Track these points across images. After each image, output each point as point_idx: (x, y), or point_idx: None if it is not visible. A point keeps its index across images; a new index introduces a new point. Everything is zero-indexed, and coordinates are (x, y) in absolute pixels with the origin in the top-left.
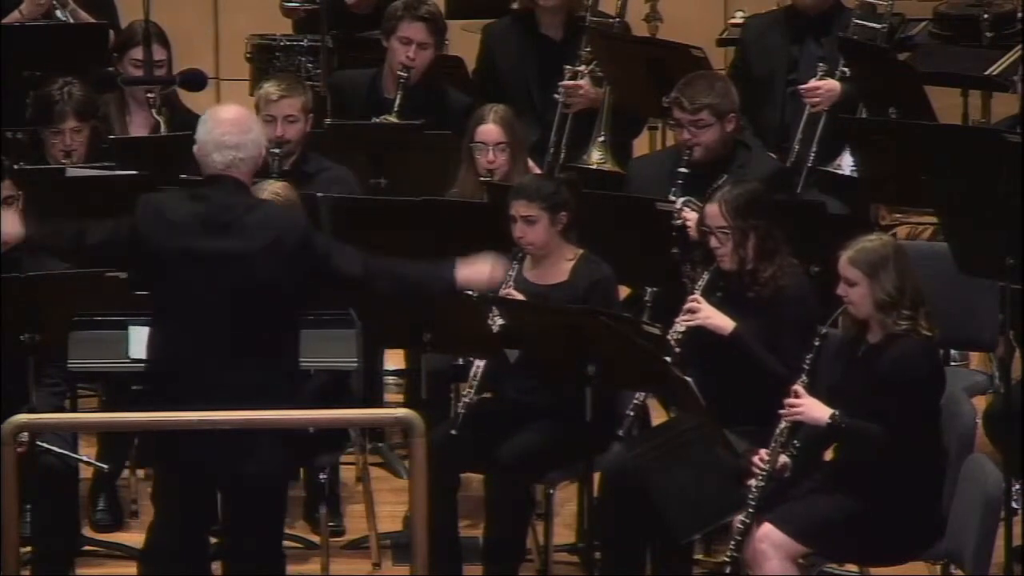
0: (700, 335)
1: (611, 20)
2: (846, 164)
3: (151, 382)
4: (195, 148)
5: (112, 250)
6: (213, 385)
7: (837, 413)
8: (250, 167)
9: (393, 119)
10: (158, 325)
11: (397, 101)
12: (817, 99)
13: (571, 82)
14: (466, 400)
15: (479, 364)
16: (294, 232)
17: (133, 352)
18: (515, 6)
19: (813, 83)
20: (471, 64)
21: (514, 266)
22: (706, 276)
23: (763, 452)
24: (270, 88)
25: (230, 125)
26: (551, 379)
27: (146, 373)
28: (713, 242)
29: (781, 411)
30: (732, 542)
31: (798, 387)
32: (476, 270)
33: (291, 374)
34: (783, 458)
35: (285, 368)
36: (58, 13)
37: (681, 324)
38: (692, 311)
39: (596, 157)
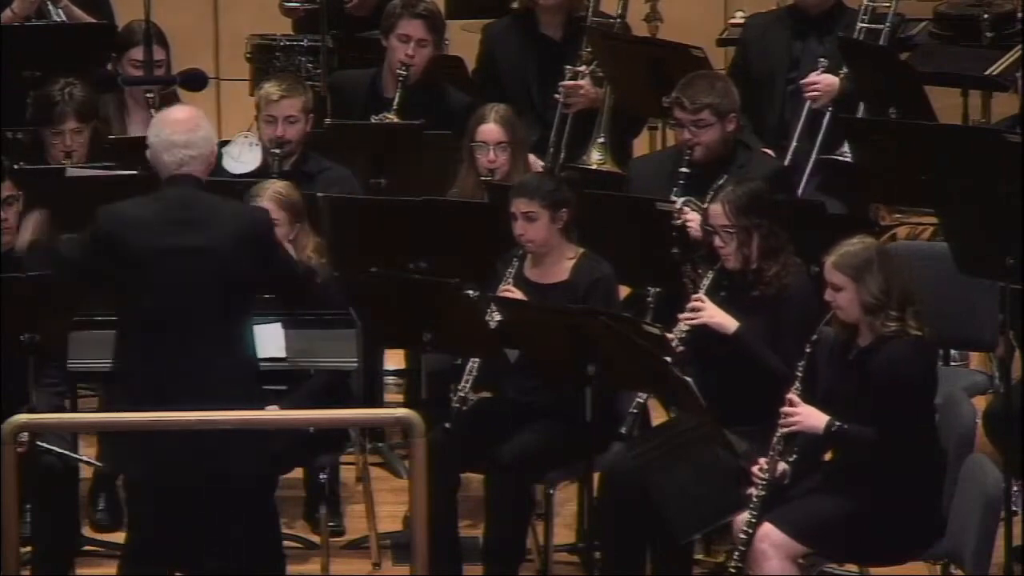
0: (703, 334)
1: (611, 20)
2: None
3: (128, 384)
4: (148, 153)
5: (88, 262)
6: (186, 381)
7: (833, 420)
8: (203, 164)
9: (393, 117)
10: (131, 328)
11: (397, 99)
12: (816, 93)
13: (571, 82)
14: (461, 395)
15: (474, 360)
16: (257, 227)
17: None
18: (515, 6)
19: (812, 77)
20: (471, 64)
21: (514, 263)
22: (710, 275)
23: (762, 461)
24: (270, 88)
25: (178, 125)
26: (551, 379)
27: (121, 376)
28: (717, 241)
29: (779, 421)
30: (736, 552)
31: (793, 396)
32: None
33: (252, 363)
34: (782, 465)
35: (248, 359)
36: (51, 9)
37: (685, 323)
38: (696, 310)
39: (596, 157)
